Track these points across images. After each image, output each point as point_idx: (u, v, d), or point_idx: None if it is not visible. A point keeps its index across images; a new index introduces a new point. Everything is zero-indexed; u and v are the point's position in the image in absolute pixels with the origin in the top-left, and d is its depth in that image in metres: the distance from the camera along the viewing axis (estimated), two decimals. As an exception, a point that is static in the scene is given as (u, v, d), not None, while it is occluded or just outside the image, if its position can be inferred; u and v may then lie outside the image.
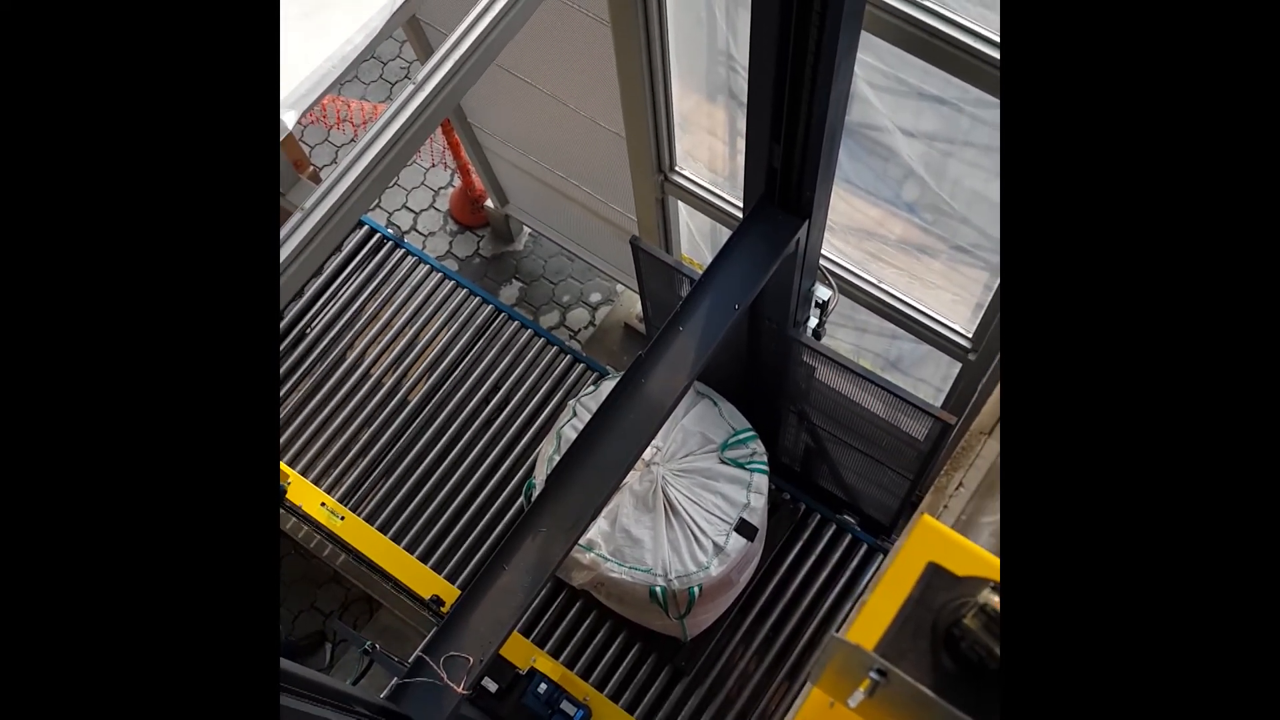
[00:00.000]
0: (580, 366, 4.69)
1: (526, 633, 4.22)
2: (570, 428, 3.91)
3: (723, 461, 3.81)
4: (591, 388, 4.06)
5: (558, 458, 3.76)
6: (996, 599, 1.45)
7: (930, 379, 4.15)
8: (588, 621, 4.26)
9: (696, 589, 3.70)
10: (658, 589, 3.70)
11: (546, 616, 4.27)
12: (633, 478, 3.77)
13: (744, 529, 3.73)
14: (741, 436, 3.87)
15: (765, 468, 3.84)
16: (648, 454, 3.76)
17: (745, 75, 2.36)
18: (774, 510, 4.30)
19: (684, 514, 3.71)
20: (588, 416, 3.80)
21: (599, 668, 4.19)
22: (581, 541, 3.73)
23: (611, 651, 4.23)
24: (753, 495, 3.76)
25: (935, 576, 1.61)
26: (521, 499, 4.32)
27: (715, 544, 3.70)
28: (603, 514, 3.76)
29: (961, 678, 1.54)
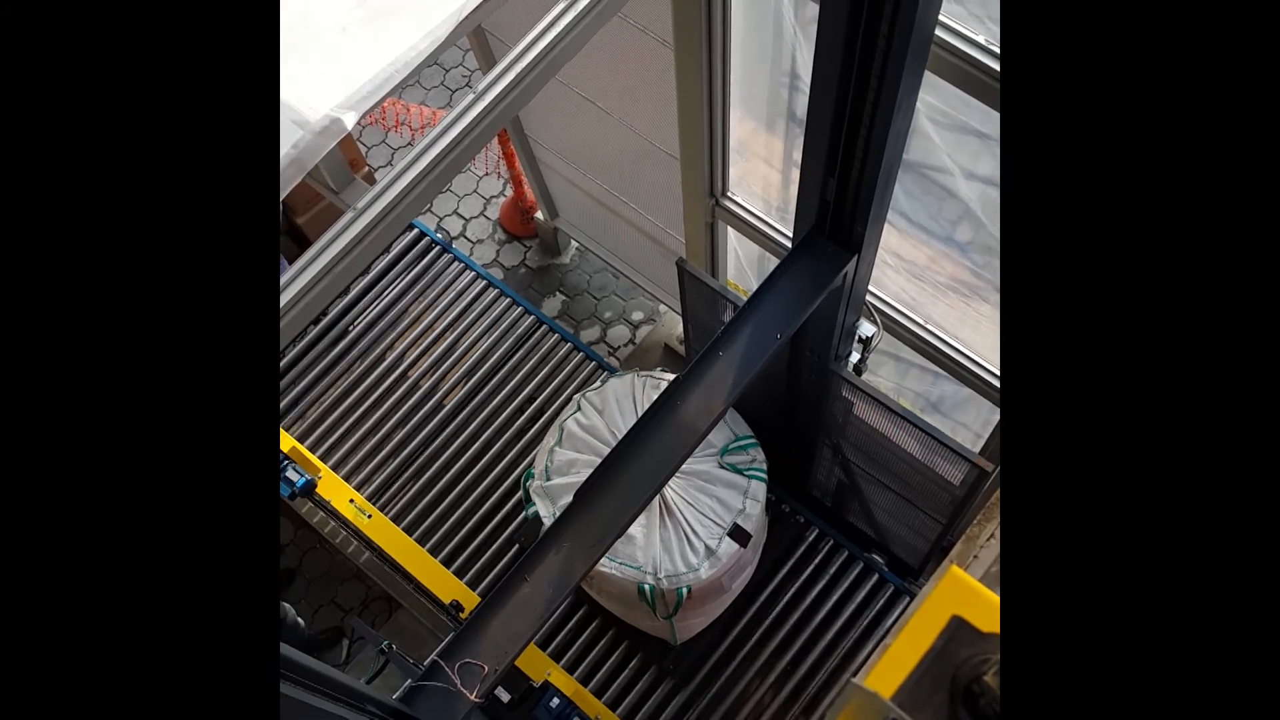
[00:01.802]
0: (617, 383, 4.68)
1: (543, 646, 4.21)
2: (573, 421, 3.95)
3: (721, 466, 3.83)
4: (598, 383, 4.10)
5: (559, 450, 3.92)
6: None
7: (970, 424, 4.10)
8: (590, 629, 4.29)
9: (685, 590, 3.71)
10: (646, 586, 3.71)
11: (565, 631, 4.26)
12: None
13: (737, 534, 3.74)
14: (742, 443, 3.89)
15: (764, 475, 3.84)
16: None
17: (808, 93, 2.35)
18: (776, 523, 4.31)
19: (678, 515, 3.73)
20: (591, 411, 3.95)
21: (584, 663, 4.23)
22: None
23: (600, 646, 4.26)
24: (749, 501, 3.77)
25: (959, 630, 1.59)
26: (520, 493, 4.32)
27: (707, 547, 3.71)
28: None
29: None
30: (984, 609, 1.62)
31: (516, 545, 4.40)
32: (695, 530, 3.73)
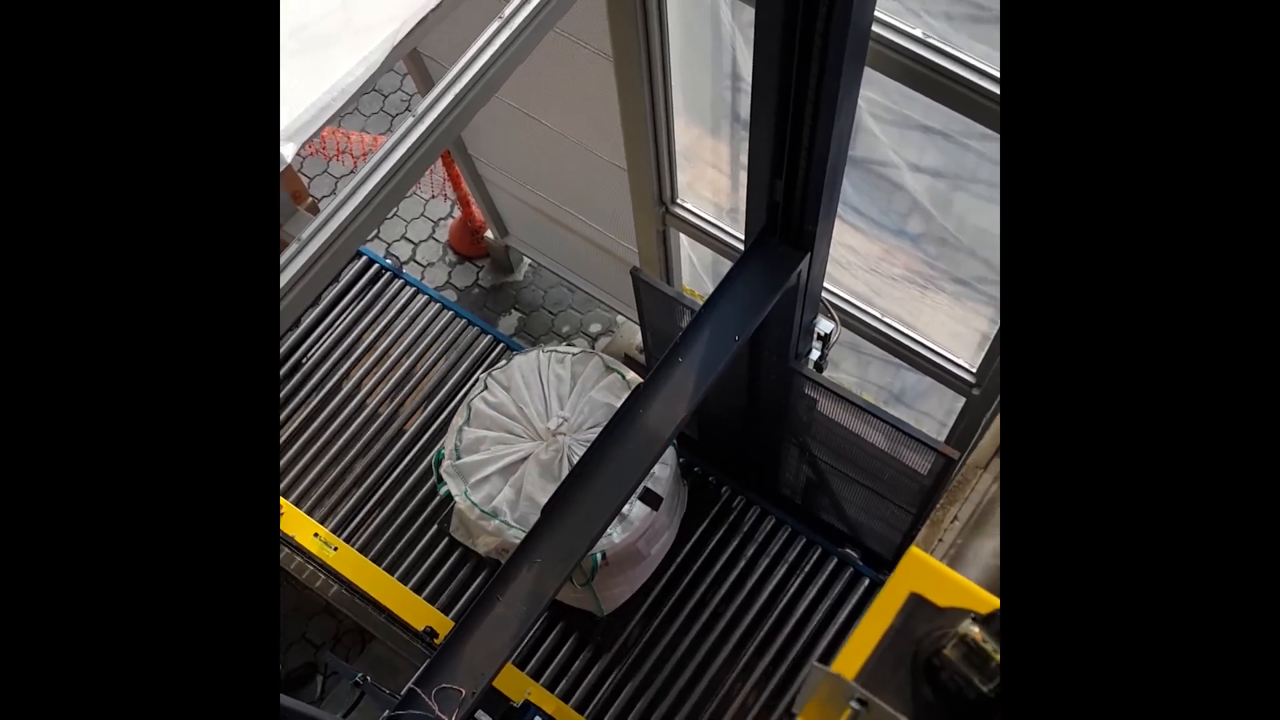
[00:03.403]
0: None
1: (521, 665, 4.17)
2: (480, 400, 4.03)
3: None
4: (503, 362, 4.16)
5: (467, 429, 3.98)
6: (976, 630, 1.46)
7: (934, 413, 4.13)
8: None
9: (599, 555, 3.79)
10: None
11: (543, 648, 4.23)
12: (539, 447, 3.89)
13: (648, 497, 3.82)
14: None
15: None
16: (553, 423, 3.89)
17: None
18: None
19: None
20: (498, 388, 4.01)
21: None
22: (486, 508, 3.86)
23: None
24: (658, 465, 3.82)
25: (917, 607, 1.63)
26: (431, 475, 4.37)
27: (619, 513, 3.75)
28: (509, 482, 3.89)
29: (941, 708, 1.55)
30: (942, 585, 1.66)
31: (435, 526, 4.42)
32: None
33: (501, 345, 4.77)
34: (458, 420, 4.05)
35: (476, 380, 4.16)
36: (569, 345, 4.19)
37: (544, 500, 3.72)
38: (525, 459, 3.89)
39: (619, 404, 3.86)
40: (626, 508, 3.78)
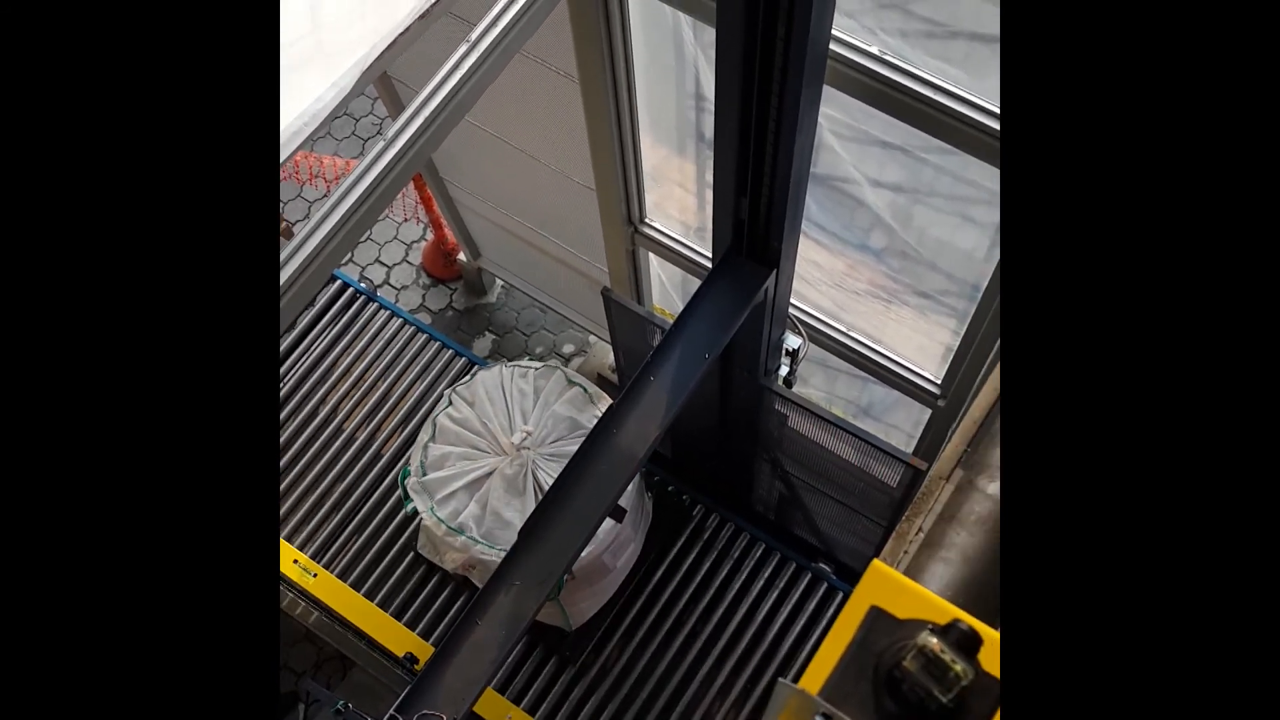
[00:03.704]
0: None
1: (501, 689, 4.17)
2: (445, 416, 4.07)
3: None
4: (467, 378, 4.20)
5: (432, 445, 4.02)
6: (934, 641, 1.48)
7: (902, 425, 4.17)
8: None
9: None
10: None
11: (522, 672, 4.22)
12: (503, 462, 3.92)
13: (612, 510, 3.80)
14: None
15: None
16: (517, 438, 3.93)
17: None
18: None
19: None
20: (462, 404, 4.05)
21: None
22: (453, 524, 3.89)
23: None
24: None
25: (877, 620, 1.64)
26: (399, 492, 4.39)
27: None
28: (474, 498, 3.91)
29: (902, 719, 1.55)
30: (905, 597, 1.67)
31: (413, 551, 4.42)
32: None
33: (476, 367, 4.79)
34: (423, 436, 4.08)
35: (441, 396, 4.20)
36: (529, 361, 4.22)
37: (509, 515, 3.81)
38: (490, 474, 3.92)
39: (582, 417, 3.97)
40: None
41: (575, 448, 3.81)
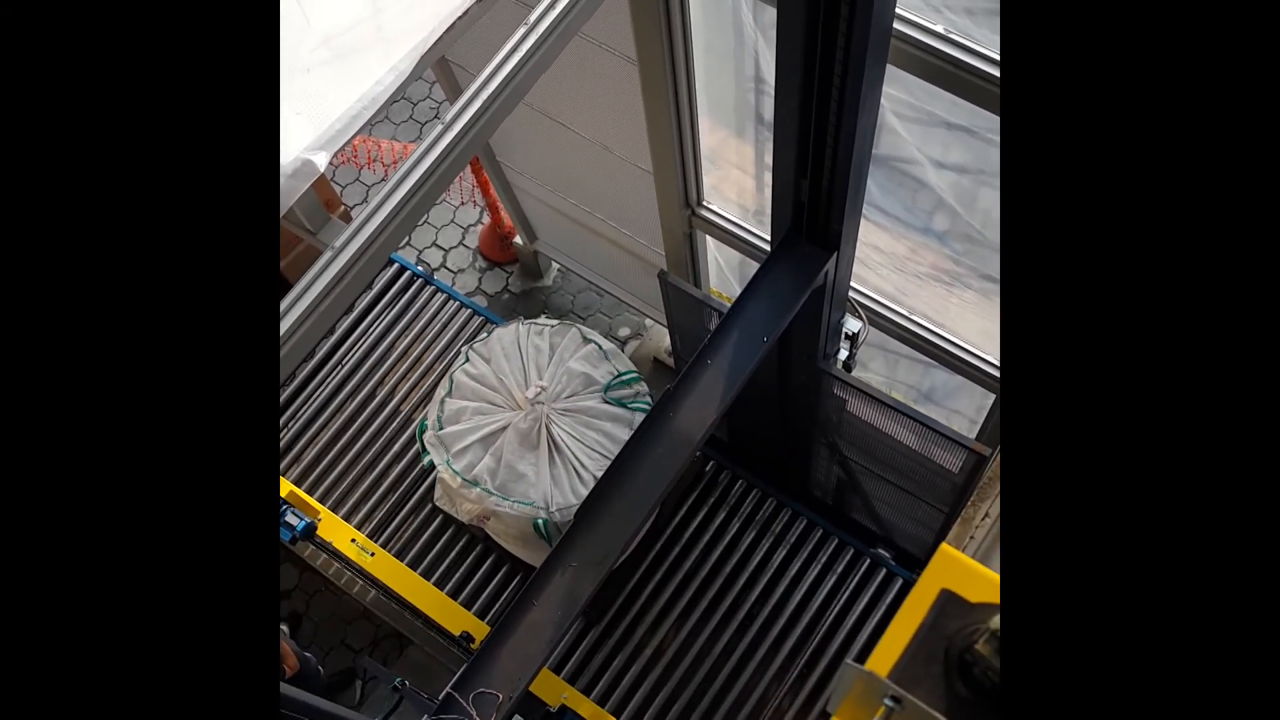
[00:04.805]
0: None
1: (557, 669, 4.19)
2: (462, 372, 4.17)
3: (606, 401, 4.03)
4: (485, 334, 4.29)
5: (449, 400, 4.11)
6: None
7: (964, 410, 4.11)
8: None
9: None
10: (540, 521, 3.89)
11: (578, 652, 4.25)
12: (517, 417, 3.99)
13: None
14: (625, 378, 4.09)
15: (648, 407, 4.03)
16: (532, 393, 4.01)
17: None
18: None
19: (566, 451, 3.93)
20: (479, 360, 4.14)
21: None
22: (468, 477, 3.97)
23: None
24: (624, 430, 3.98)
25: (949, 603, 1.63)
26: (417, 445, 4.47)
27: (596, 478, 3.84)
28: (489, 451, 3.99)
29: (974, 703, 1.55)
30: (973, 581, 1.66)
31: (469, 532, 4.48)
32: (583, 464, 3.93)
33: (493, 325, 4.82)
34: (440, 391, 4.19)
35: (459, 352, 4.30)
36: (546, 318, 4.28)
37: (523, 468, 3.93)
38: (505, 428, 4.00)
39: (596, 374, 4.06)
40: (599, 471, 3.92)
41: (589, 403, 3.99)
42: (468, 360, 4.20)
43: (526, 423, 3.97)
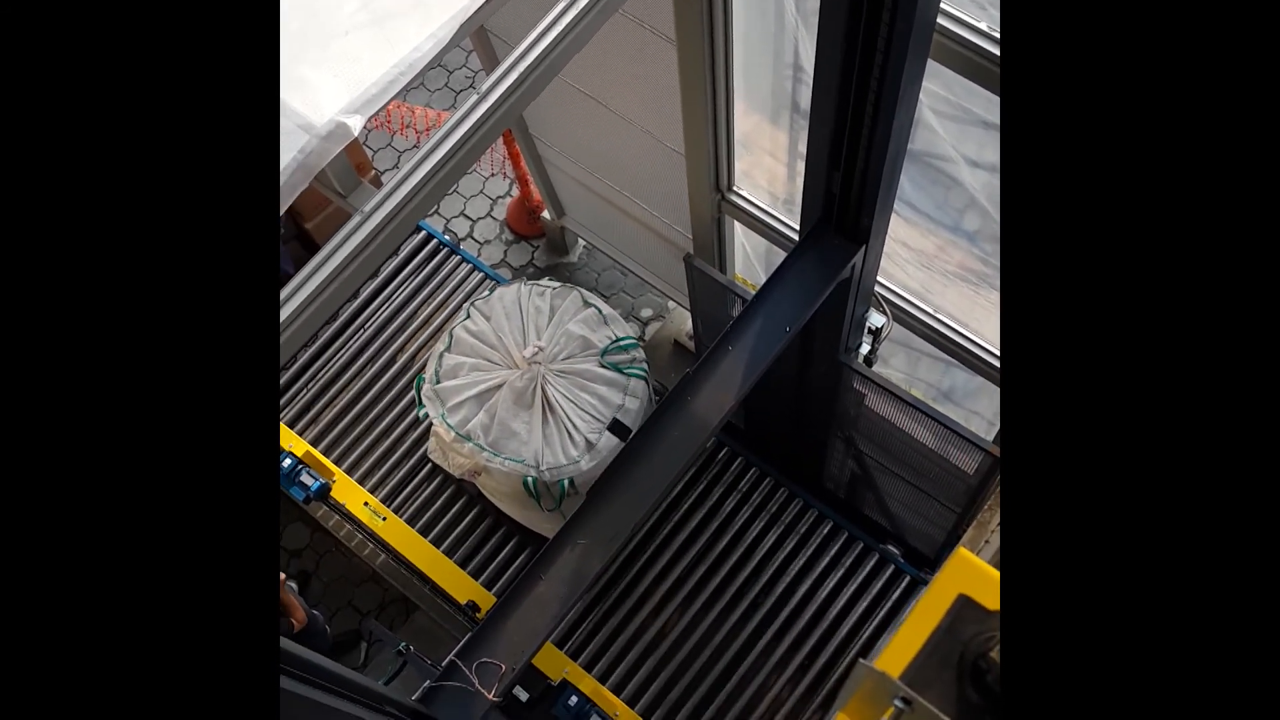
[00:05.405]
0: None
1: (560, 644, 4.22)
2: (462, 328, 4.22)
3: (602, 365, 4.05)
4: (487, 293, 4.34)
5: (448, 355, 4.15)
6: None
7: (983, 412, 4.09)
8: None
9: (567, 482, 3.95)
10: (530, 479, 3.94)
11: (581, 629, 4.27)
12: (514, 375, 4.03)
13: (617, 429, 3.98)
14: (623, 343, 4.12)
15: (644, 374, 4.08)
16: (529, 352, 4.04)
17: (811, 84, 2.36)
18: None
19: (560, 412, 3.97)
20: (480, 318, 4.18)
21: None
22: (461, 432, 4.01)
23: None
24: (628, 398, 4.02)
25: (965, 608, 1.62)
26: (414, 402, 4.51)
27: (588, 440, 3.95)
28: (484, 408, 4.03)
29: (985, 710, 1.54)
30: (990, 587, 1.65)
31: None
32: (576, 425, 3.96)
33: (495, 284, 4.85)
34: (439, 346, 4.23)
35: (462, 309, 4.33)
36: (549, 280, 4.31)
37: (516, 426, 3.97)
38: (500, 386, 4.03)
39: (594, 337, 4.08)
40: (595, 437, 3.96)
41: (585, 366, 4.02)
42: (469, 316, 4.24)
43: (522, 382, 4.01)
